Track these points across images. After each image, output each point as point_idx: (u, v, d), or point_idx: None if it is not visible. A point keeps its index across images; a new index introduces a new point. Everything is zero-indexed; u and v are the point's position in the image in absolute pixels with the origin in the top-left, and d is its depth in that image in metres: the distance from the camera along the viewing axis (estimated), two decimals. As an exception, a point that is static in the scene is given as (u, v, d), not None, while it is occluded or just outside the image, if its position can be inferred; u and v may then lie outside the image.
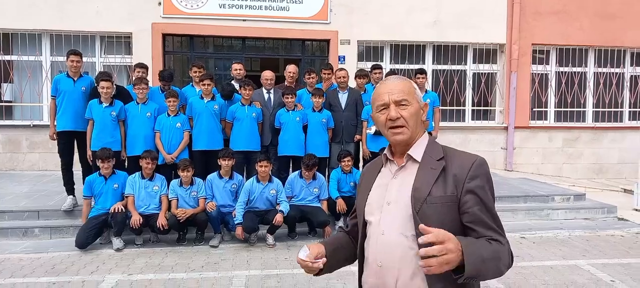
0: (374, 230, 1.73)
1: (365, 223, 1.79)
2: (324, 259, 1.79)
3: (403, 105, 1.70)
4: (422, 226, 1.46)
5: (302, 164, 6.57)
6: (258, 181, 6.36)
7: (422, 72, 7.75)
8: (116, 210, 6.03)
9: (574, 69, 11.23)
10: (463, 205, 1.62)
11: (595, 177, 11.14)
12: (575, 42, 11.01)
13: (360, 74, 7.66)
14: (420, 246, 1.43)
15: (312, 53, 10.75)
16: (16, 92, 9.88)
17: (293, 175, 6.76)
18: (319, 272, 1.83)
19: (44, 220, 6.66)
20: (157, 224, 6.01)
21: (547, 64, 11.22)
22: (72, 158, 6.77)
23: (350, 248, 1.96)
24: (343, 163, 6.81)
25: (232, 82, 7.47)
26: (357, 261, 1.89)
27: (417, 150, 1.72)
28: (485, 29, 10.66)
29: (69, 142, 6.69)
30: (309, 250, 1.77)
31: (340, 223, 6.87)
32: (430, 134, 1.94)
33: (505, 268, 1.59)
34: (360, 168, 7.44)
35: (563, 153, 11.17)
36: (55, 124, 6.68)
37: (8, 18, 9.40)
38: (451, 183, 1.63)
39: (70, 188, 6.79)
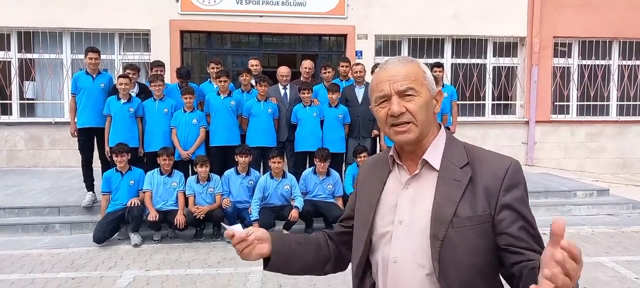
0: (384, 256, 1.39)
1: (369, 245, 1.44)
2: (257, 232, 1.46)
3: (409, 95, 1.33)
4: (557, 221, 0.99)
5: (315, 157, 6.53)
6: (272, 177, 6.35)
7: (439, 65, 7.66)
8: (133, 205, 6.08)
9: (597, 62, 10.97)
10: (498, 225, 1.27)
11: (619, 171, 10.88)
12: (598, 34, 10.74)
13: (378, 69, 7.58)
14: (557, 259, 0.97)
15: (329, 48, 10.69)
16: (38, 89, 10.04)
17: (307, 171, 6.74)
18: (266, 264, 1.50)
19: (65, 216, 6.75)
20: (175, 221, 6.04)
21: (569, 56, 10.98)
22: (91, 154, 6.84)
23: (324, 254, 1.61)
24: (359, 159, 6.75)
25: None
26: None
27: (434, 154, 1.37)
28: (506, 21, 10.47)
29: (88, 138, 6.76)
30: (244, 230, 1.45)
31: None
32: (448, 129, 1.64)
33: None
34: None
35: (585, 148, 10.93)
36: (75, 121, 6.76)
37: (30, 17, 9.54)
38: (482, 198, 1.28)
39: (89, 185, 6.88)
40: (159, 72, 7.07)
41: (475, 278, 1.29)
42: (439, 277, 1.28)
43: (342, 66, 7.63)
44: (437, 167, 1.36)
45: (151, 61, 9.38)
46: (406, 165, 1.43)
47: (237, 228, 1.45)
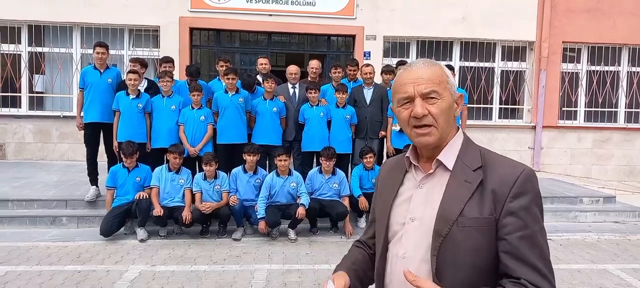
0: (394, 252, 1.44)
1: (386, 242, 1.49)
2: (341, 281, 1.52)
3: (432, 98, 1.35)
4: (406, 272, 1.25)
5: (320, 156, 6.54)
6: (278, 175, 6.37)
7: (450, 68, 7.65)
8: (141, 198, 6.11)
9: (606, 68, 10.92)
10: (501, 230, 1.28)
11: (626, 179, 10.83)
12: (608, 40, 10.70)
13: (387, 70, 7.59)
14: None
15: (338, 49, 10.71)
16: (47, 83, 10.10)
17: (313, 170, 6.75)
18: None
19: (72, 209, 6.80)
20: (182, 217, 6.07)
21: (578, 62, 10.94)
22: (97, 149, 6.87)
23: (371, 264, 1.65)
24: (365, 160, 6.76)
25: (258, 76, 7.50)
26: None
27: (449, 155, 1.39)
28: (515, 26, 10.44)
29: (94, 133, 6.79)
30: (334, 283, 1.50)
31: (363, 221, 6.83)
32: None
33: None
34: (384, 166, 7.39)
35: (593, 154, 10.89)
36: (81, 115, 6.79)
37: (40, 11, 9.61)
38: (489, 201, 1.29)
39: (93, 179, 6.90)
40: (167, 69, 7.09)
41: (475, 278, 1.30)
42: (435, 273, 1.31)
43: (350, 70, 7.63)
44: (451, 167, 1.37)
45: (159, 58, 9.48)
46: (422, 165, 1.45)
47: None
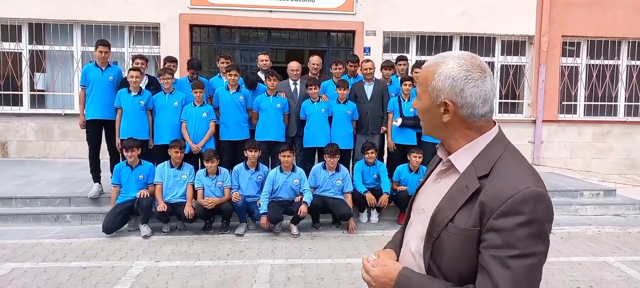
0: (405, 237, 1.50)
1: (405, 225, 1.55)
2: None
3: (419, 95, 1.42)
4: (363, 260, 1.43)
5: (324, 153, 6.58)
6: (281, 171, 6.41)
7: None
8: (142, 196, 6.15)
9: (606, 62, 10.95)
10: (481, 243, 1.24)
11: (626, 172, 10.87)
12: (607, 34, 10.72)
13: (386, 65, 7.63)
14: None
15: (338, 44, 10.73)
16: (48, 81, 10.13)
17: (317, 166, 6.78)
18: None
19: (75, 206, 6.84)
20: (184, 213, 6.11)
21: (578, 56, 10.97)
22: (99, 146, 6.91)
23: None
24: (366, 156, 6.79)
25: (258, 72, 7.53)
26: None
27: (463, 157, 1.35)
28: (514, 20, 10.47)
29: (96, 130, 6.83)
30: (376, 256, 1.51)
31: (364, 216, 6.88)
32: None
33: None
34: (385, 161, 7.44)
35: (593, 148, 10.93)
36: (84, 112, 6.83)
37: (41, 8, 9.63)
38: (475, 214, 1.24)
39: (96, 176, 6.94)
40: (168, 66, 7.11)
41: (456, 283, 1.29)
42: (426, 270, 1.35)
43: (351, 65, 7.65)
44: (461, 169, 1.34)
45: (160, 54, 9.52)
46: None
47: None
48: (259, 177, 6.55)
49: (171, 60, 7.33)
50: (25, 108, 10.01)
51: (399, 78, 7.48)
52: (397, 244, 1.59)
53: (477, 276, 1.23)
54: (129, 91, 6.60)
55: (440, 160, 1.46)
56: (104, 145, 6.98)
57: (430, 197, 1.41)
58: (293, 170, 6.46)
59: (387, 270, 1.38)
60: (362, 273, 1.45)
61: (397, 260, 1.47)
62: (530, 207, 1.19)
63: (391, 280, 1.36)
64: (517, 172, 1.27)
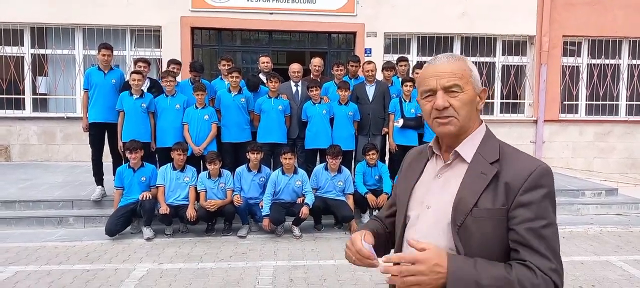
0: (409, 236, 1.50)
1: (404, 225, 1.55)
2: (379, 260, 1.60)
3: (454, 91, 1.41)
4: (410, 240, 1.32)
5: (326, 154, 6.59)
6: (283, 173, 6.42)
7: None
8: (144, 198, 6.17)
9: (607, 61, 10.95)
10: (511, 221, 1.33)
11: (627, 171, 10.86)
12: (608, 33, 10.72)
13: (388, 66, 7.64)
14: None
15: (339, 46, 10.75)
16: (51, 85, 10.16)
17: (319, 167, 6.79)
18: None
19: (78, 209, 6.86)
20: (187, 215, 6.13)
21: (579, 56, 10.97)
22: (102, 149, 6.93)
23: (385, 237, 1.74)
24: (368, 157, 6.80)
25: (260, 74, 7.55)
26: None
27: (468, 148, 1.44)
28: (515, 20, 10.48)
29: (99, 133, 6.85)
30: (364, 238, 1.56)
31: (366, 217, 6.88)
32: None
33: None
34: (386, 162, 7.45)
35: (594, 147, 10.92)
36: (87, 116, 6.85)
37: (42, 12, 9.66)
38: (502, 193, 1.34)
39: (99, 179, 6.96)
40: (171, 69, 7.13)
41: None
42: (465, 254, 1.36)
43: (352, 66, 7.67)
44: (469, 159, 1.42)
45: (162, 57, 9.55)
46: (443, 155, 1.51)
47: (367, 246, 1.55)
48: (261, 179, 6.56)
49: (175, 62, 7.36)
50: (27, 112, 10.04)
51: (400, 79, 7.49)
52: (375, 231, 1.68)
53: (516, 252, 1.32)
54: (131, 94, 6.62)
55: (427, 160, 1.55)
56: (106, 148, 6.99)
57: (434, 192, 1.46)
58: (295, 172, 6.48)
59: (435, 248, 1.31)
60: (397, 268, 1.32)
61: None
62: (547, 180, 1.35)
63: (442, 257, 1.30)
64: (522, 154, 1.42)
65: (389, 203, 1.80)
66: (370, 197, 6.66)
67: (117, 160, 6.87)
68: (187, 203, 6.32)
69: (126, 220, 6.26)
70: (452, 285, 1.26)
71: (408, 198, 1.54)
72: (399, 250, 1.57)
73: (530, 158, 1.40)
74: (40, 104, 10.15)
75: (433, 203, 1.45)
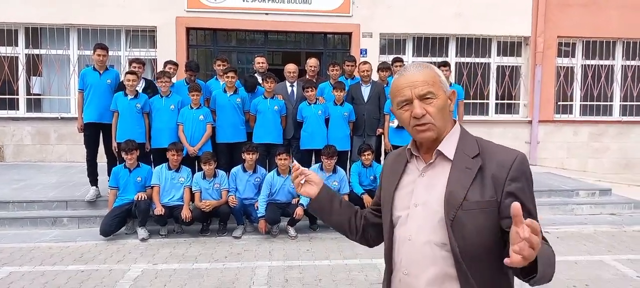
0: (400, 235, 1.56)
1: (392, 226, 1.61)
2: (313, 174, 1.77)
3: (428, 99, 1.48)
4: (515, 205, 1.14)
5: (322, 154, 6.59)
6: (278, 174, 6.42)
7: (446, 64, 7.71)
8: (139, 199, 6.15)
9: (601, 62, 11.01)
10: (503, 210, 1.40)
11: (621, 172, 10.91)
12: (602, 34, 10.78)
13: (383, 67, 7.65)
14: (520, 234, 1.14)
15: (334, 46, 10.75)
16: (45, 85, 10.12)
17: (314, 167, 6.79)
18: (312, 205, 1.78)
19: (72, 210, 6.83)
20: (182, 215, 6.12)
21: (573, 56, 11.02)
22: (96, 149, 6.90)
23: (355, 225, 1.80)
24: (363, 157, 6.81)
25: (255, 75, 7.54)
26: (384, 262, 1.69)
27: (448, 146, 1.51)
28: (510, 21, 10.52)
29: (94, 133, 6.82)
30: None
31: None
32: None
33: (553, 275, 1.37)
34: (382, 162, 7.45)
35: (588, 148, 10.98)
36: (82, 116, 6.82)
37: (37, 13, 9.62)
38: (490, 186, 1.43)
39: (93, 180, 6.93)
40: (166, 69, 7.12)
41: (482, 254, 1.43)
42: (459, 250, 1.43)
43: (348, 65, 7.67)
44: (451, 157, 1.50)
45: (157, 57, 9.53)
46: (423, 156, 1.58)
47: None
48: (256, 180, 6.56)
49: (173, 63, 7.35)
50: (21, 112, 9.99)
51: (395, 79, 7.48)
52: (336, 194, 1.83)
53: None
54: (126, 94, 6.60)
55: (407, 161, 1.61)
56: (101, 149, 6.97)
57: (420, 191, 1.53)
58: (290, 173, 6.46)
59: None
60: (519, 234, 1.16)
61: (404, 256, 1.54)
62: (527, 167, 1.46)
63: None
64: (496, 145, 1.53)
65: (374, 201, 1.86)
66: (366, 198, 6.66)
67: (112, 160, 6.85)
68: (182, 203, 6.31)
69: (121, 221, 6.24)
70: (541, 261, 1.23)
71: (392, 199, 1.61)
72: (389, 248, 1.62)
73: (506, 148, 1.50)
74: (35, 104, 10.11)
75: (421, 201, 1.52)
